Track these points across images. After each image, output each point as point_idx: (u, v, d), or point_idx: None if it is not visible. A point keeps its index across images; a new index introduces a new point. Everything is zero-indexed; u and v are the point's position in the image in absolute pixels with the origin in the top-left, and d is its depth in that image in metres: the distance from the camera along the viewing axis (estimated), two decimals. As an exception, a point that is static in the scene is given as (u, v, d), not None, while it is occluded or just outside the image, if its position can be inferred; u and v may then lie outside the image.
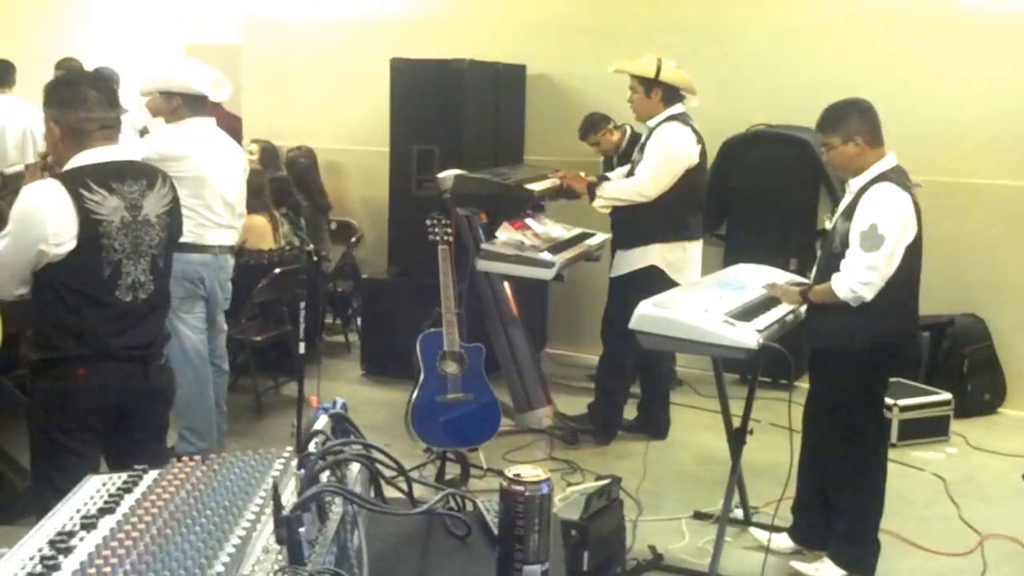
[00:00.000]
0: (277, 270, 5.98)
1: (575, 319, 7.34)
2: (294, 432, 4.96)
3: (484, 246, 5.38)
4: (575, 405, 5.93)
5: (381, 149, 7.05)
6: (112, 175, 3.06)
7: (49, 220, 2.94)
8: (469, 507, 2.02)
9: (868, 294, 3.77)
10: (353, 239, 7.62)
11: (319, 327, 6.75)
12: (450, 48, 6.95)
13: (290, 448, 1.89)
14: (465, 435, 4.96)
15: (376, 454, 1.78)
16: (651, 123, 5.46)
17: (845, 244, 3.83)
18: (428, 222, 5.09)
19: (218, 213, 5.03)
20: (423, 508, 1.69)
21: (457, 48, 6.93)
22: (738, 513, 4.52)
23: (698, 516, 4.66)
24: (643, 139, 5.53)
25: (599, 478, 4.63)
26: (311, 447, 1.70)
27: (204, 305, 5.13)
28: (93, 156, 3.05)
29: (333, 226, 7.72)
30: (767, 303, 4.08)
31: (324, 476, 1.64)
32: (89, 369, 3.06)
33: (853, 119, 3.87)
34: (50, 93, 3.16)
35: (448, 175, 5.68)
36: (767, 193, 6.66)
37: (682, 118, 5.44)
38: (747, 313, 3.89)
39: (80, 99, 3.06)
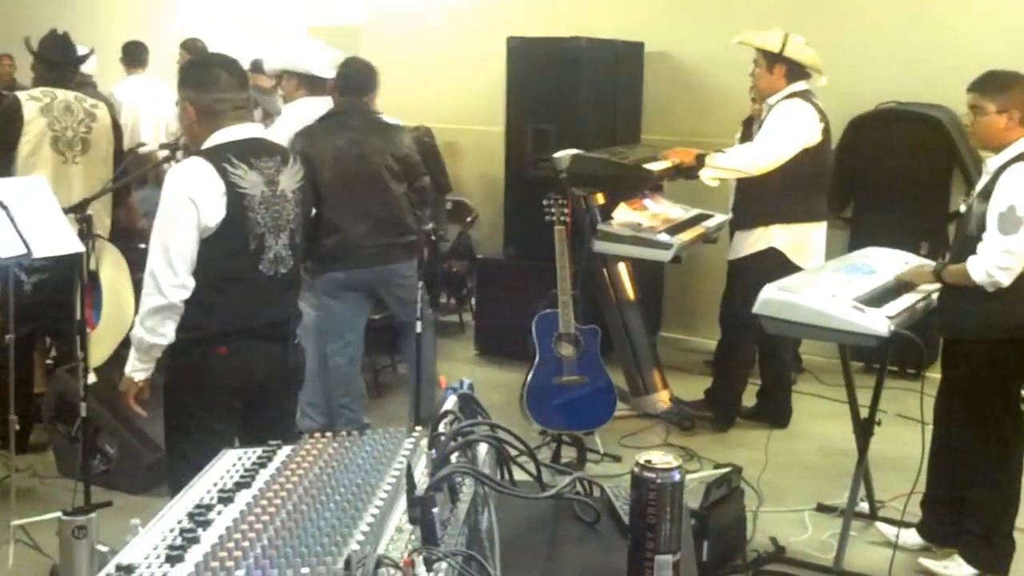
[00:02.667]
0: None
1: (691, 302, 7.22)
2: (409, 412, 5.00)
3: (601, 227, 5.32)
4: (692, 390, 5.84)
5: (497, 129, 7.04)
6: (249, 151, 3.11)
7: (199, 197, 2.99)
8: (596, 492, 1.99)
9: (1005, 279, 3.60)
10: (468, 219, 7.64)
11: (435, 307, 6.79)
12: (567, 26, 6.89)
13: (419, 427, 1.89)
14: (580, 418, 4.92)
15: (504, 435, 1.75)
16: (771, 100, 5.32)
17: (981, 227, 3.66)
18: (545, 202, 5.05)
19: (335, 191, 5.08)
20: (553, 492, 1.66)
21: (574, 26, 6.86)
22: (863, 507, 4.39)
23: (822, 509, 4.53)
24: (762, 116, 5.39)
25: (718, 466, 4.56)
26: (441, 427, 1.68)
27: (323, 283, 5.21)
28: (230, 134, 3.11)
29: (449, 205, 7.74)
30: (898, 288, 3.93)
31: (454, 457, 1.62)
32: (230, 349, 3.11)
33: (1017, 92, 3.69)
34: (184, 75, 3.23)
35: (565, 155, 5.63)
36: (896, 173, 6.41)
37: (804, 95, 5.28)
38: (877, 299, 3.76)
39: (213, 80, 3.11)
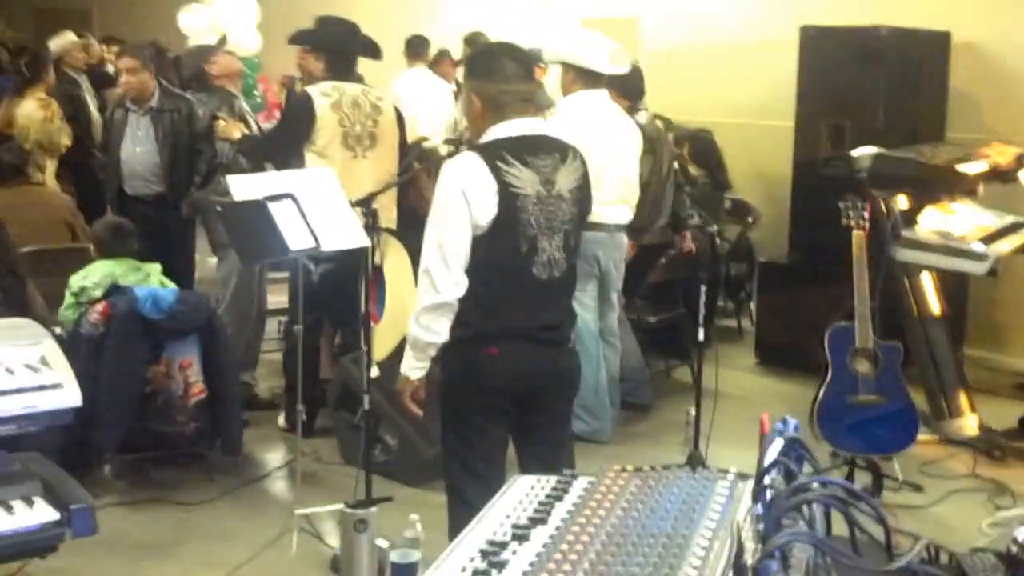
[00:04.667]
0: (672, 250, 5.83)
1: (999, 317, 6.56)
2: (689, 421, 4.78)
3: (905, 233, 4.88)
4: (1000, 415, 5.27)
5: (785, 124, 6.66)
6: (527, 148, 2.98)
7: (472, 193, 2.90)
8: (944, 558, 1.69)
9: None
10: (749, 219, 7.31)
11: (713, 311, 6.53)
12: (866, 14, 6.42)
13: (731, 470, 1.68)
14: (877, 441, 4.53)
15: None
16: None
17: None
18: (842, 205, 4.69)
19: (612, 189, 4.93)
20: (903, 563, 1.39)
21: (874, 14, 6.38)
22: None
23: None
24: None
25: (1036, 504, 4.06)
26: (768, 478, 1.46)
27: (597, 283, 5.09)
28: (509, 129, 2.99)
29: (728, 204, 7.42)
30: None
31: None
32: (501, 349, 3.00)
33: None
34: (471, 64, 3.16)
35: (864, 153, 5.23)
36: None
37: None
38: None
39: (500, 71, 3.00)
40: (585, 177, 3.14)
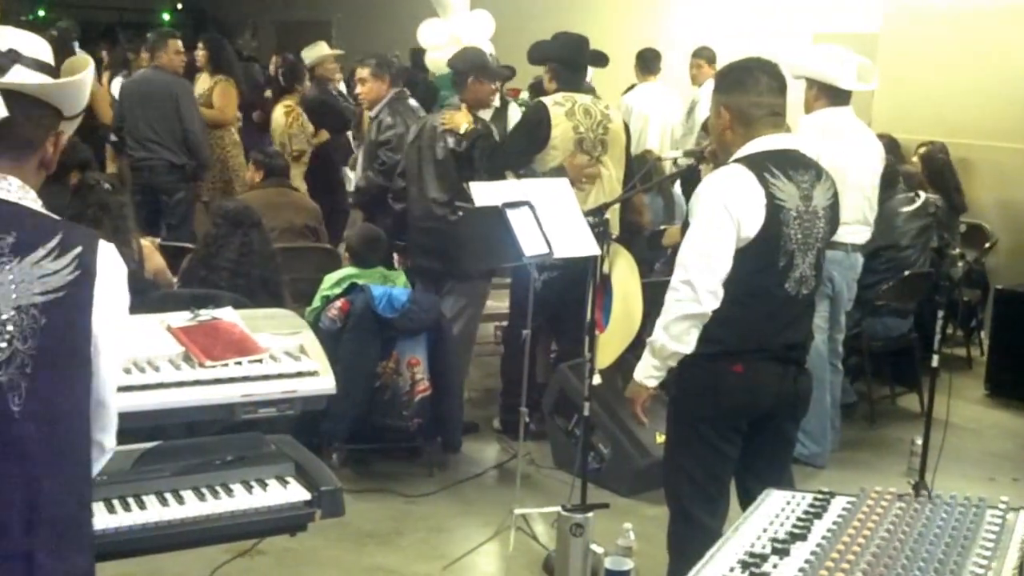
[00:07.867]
0: (906, 272, 5.61)
1: None
2: (914, 452, 4.59)
3: None
4: None
5: (1028, 147, 6.32)
6: (788, 163, 2.96)
7: (739, 203, 2.88)
8: None
9: None
10: (986, 245, 6.95)
11: (944, 337, 6.25)
12: None
13: (1005, 498, 1.61)
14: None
15: None
16: None
17: None
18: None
19: (852, 208, 4.78)
20: None
21: None
22: None
23: None
24: None
25: None
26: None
27: (829, 304, 4.95)
28: (768, 143, 2.96)
29: (963, 228, 7.08)
30: None
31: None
32: (746, 367, 2.97)
33: None
34: (721, 78, 3.13)
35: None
36: None
37: None
38: None
39: (753, 84, 2.98)
40: (836, 196, 3.12)
